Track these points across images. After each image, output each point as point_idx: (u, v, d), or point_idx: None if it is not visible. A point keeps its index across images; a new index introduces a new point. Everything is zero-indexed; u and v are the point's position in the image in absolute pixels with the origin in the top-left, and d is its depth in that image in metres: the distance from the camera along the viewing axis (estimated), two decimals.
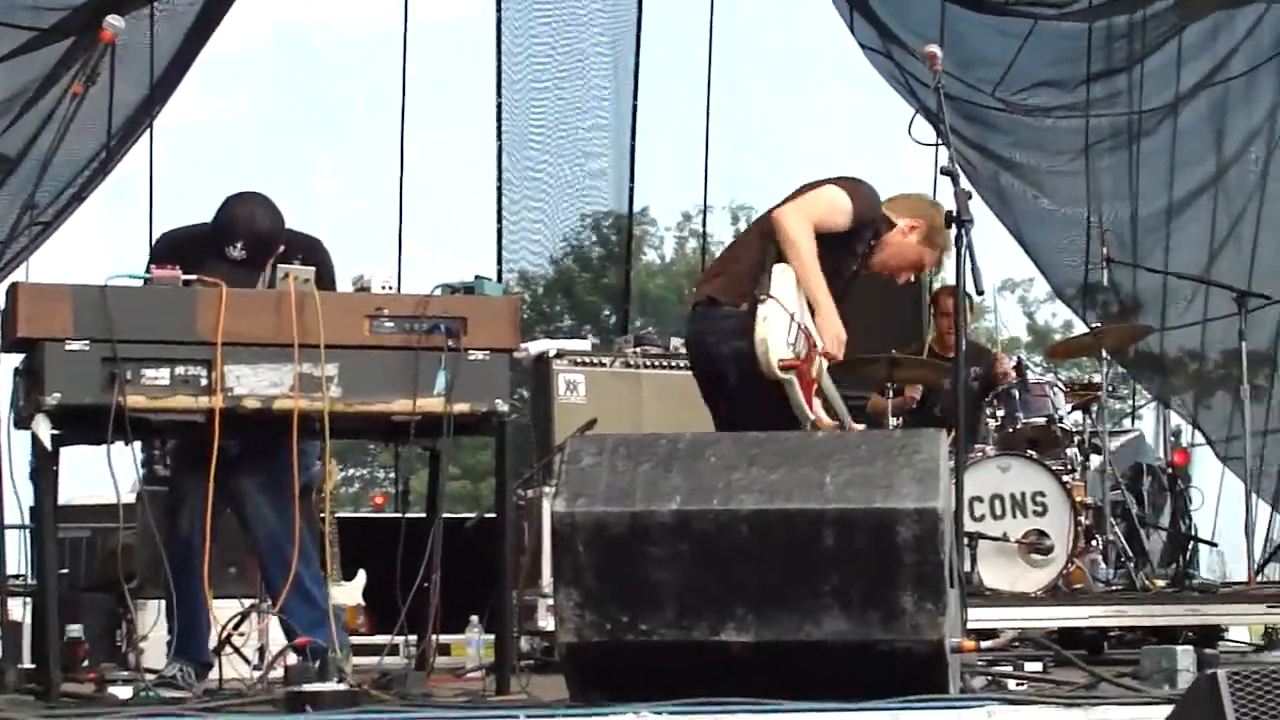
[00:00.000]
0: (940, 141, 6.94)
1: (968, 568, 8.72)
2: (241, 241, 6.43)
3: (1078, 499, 9.39)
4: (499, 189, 12.55)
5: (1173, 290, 12.49)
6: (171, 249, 6.53)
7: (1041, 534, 9.18)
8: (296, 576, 6.31)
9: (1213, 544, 12.05)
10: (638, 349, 9.98)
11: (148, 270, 6.17)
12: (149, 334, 5.91)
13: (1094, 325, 10.94)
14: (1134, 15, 12.28)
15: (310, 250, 6.62)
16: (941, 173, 6.84)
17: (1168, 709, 4.39)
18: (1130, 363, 12.83)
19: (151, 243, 7.43)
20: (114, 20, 6.43)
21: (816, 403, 6.80)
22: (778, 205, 6.95)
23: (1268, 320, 11.95)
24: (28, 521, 7.72)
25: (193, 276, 6.05)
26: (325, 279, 6.47)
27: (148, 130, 11.01)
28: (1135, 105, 12.51)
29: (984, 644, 5.77)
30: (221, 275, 6.11)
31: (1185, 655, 5.74)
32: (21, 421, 6.06)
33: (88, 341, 5.83)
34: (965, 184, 6.77)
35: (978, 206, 7.41)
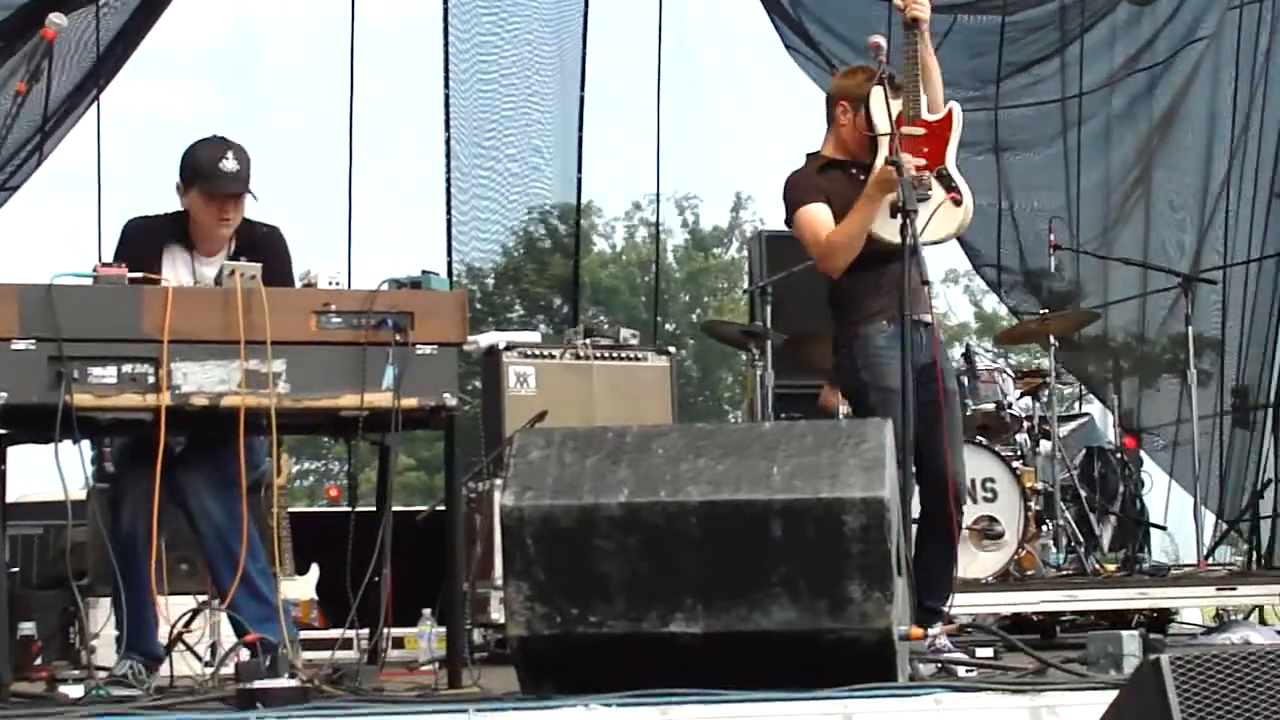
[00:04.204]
0: (886, 132, 6.90)
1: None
2: (231, 151, 6.56)
3: (1027, 484, 9.44)
4: (448, 182, 12.52)
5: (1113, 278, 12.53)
6: (143, 236, 6.61)
7: (992, 520, 9.23)
8: (244, 572, 6.31)
9: (1162, 527, 12.11)
10: (587, 340, 9.97)
11: (114, 259, 6.20)
12: (95, 332, 5.89)
13: (1042, 310, 10.97)
14: (1049, 4, 12.29)
15: (271, 239, 6.72)
16: (886, 163, 6.82)
17: (1114, 694, 4.41)
18: (1067, 352, 12.76)
19: (101, 230, 7.41)
20: (56, 18, 6.42)
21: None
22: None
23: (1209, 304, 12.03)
24: None
25: (139, 275, 6.05)
26: (284, 268, 6.55)
27: (97, 122, 10.92)
28: (1066, 93, 12.52)
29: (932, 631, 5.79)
30: (206, 225, 6.43)
31: (1131, 640, 5.77)
32: None
33: (34, 341, 5.81)
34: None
35: None
